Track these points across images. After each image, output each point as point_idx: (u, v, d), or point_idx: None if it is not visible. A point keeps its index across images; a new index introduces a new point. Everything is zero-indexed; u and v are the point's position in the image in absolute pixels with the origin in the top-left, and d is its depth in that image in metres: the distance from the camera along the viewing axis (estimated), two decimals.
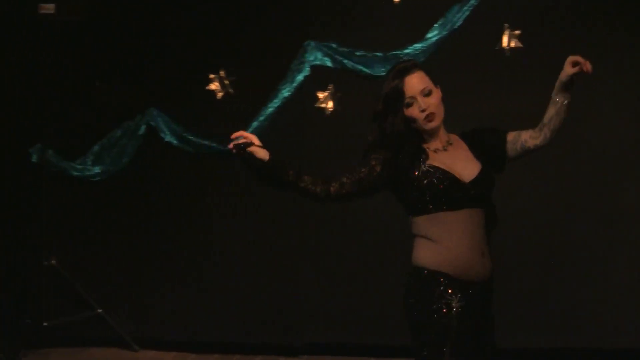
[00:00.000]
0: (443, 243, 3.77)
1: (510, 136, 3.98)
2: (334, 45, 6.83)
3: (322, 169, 4.13)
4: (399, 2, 6.77)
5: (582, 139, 6.63)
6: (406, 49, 6.70)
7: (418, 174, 3.80)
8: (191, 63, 7.03)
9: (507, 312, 6.15)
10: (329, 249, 6.92)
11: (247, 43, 6.96)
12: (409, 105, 3.85)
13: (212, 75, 6.99)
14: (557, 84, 3.82)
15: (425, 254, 3.80)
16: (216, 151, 6.85)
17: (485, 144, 3.98)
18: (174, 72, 7.04)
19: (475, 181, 3.81)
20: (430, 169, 3.79)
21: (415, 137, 3.89)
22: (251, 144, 3.77)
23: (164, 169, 7.11)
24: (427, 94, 3.85)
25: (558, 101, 3.86)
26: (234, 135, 3.79)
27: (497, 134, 4.01)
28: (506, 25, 6.66)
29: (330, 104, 6.88)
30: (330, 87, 6.88)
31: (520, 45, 6.64)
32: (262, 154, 3.78)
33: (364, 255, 6.85)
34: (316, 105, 6.89)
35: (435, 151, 3.90)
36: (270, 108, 6.90)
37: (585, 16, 6.61)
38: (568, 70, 3.75)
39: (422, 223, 3.81)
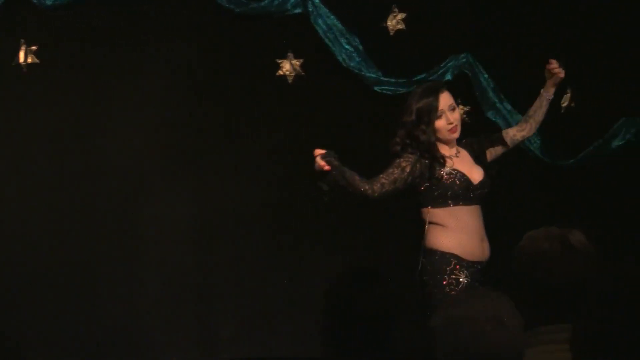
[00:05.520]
0: (456, 231, 4.77)
1: (503, 135, 5.07)
2: None
3: None
4: None
5: (98, 151, 6.68)
6: None
7: (443, 174, 4.77)
8: None
9: None
10: None
11: None
12: (439, 117, 4.78)
13: None
14: (548, 83, 4.92)
15: (440, 239, 4.77)
16: None
17: (484, 150, 5.02)
18: None
19: (481, 183, 4.88)
20: (452, 171, 4.78)
21: (435, 145, 4.84)
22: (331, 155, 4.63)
23: None
24: (453, 109, 4.83)
25: (544, 97, 4.93)
26: (319, 154, 4.60)
27: (496, 138, 5.07)
28: (22, 40, 6.57)
29: None
30: None
31: (37, 61, 6.59)
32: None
33: None
34: None
35: (450, 157, 4.86)
36: None
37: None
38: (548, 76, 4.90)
39: (440, 214, 4.79)
